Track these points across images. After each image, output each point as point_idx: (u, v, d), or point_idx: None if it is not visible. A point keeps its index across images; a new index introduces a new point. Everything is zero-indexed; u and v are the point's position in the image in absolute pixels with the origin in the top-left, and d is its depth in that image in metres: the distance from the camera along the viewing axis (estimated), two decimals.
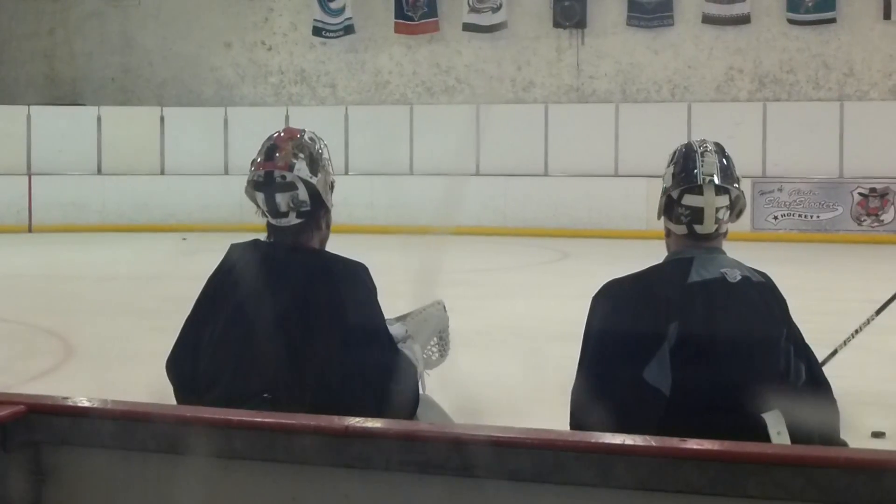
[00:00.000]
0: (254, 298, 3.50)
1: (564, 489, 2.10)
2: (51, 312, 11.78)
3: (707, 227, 3.35)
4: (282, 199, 3.56)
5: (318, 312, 3.47)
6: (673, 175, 3.38)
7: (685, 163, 3.37)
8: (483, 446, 2.14)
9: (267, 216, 3.61)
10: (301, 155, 3.58)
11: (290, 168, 3.56)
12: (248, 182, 3.64)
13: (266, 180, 3.58)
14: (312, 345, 3.44)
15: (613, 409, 3.08)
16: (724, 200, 3.35)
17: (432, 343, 4.10)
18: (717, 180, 3.34)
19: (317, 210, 3.59)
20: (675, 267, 3.36)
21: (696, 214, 3.34)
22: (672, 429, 2.89)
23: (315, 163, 3.58)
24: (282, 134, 3.69)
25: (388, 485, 2.20)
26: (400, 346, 3.73)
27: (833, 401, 3.43)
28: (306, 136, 3.65)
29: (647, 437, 2.14)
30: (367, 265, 3.67)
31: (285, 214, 3.57)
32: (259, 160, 3.64)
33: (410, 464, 2.17)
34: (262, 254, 3.60)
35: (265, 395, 3.36)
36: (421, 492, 2.19)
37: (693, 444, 2.09)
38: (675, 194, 3.35)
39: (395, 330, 3.81)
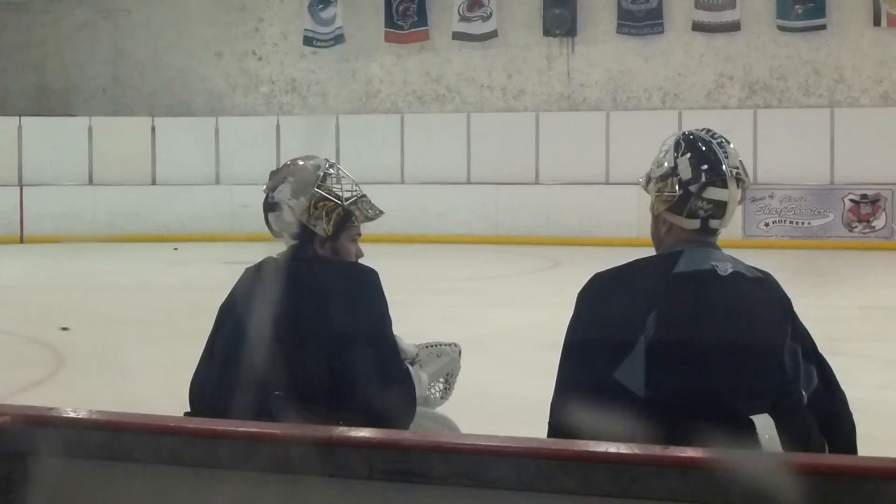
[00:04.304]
0: (258, 308, 3.62)
1: (546, 497, 2.10)
2: (42, 323, 11.76)
3: (726, 221, 3.21)
4: (271, 219, 3.81)
5: (323, 315, 3.58)
6: (692, 167, 3.16)
7: (707, 154, 3.18)
8: (466, 455, 2.14)
9: None
10: (290, 179, 3.76)
11: (274, 189, 3.78)
12: None
13: (263, 200, 3.83)
14: (317, 346, 3.55)
15: (585, 415, 2.91)
16: (741, 193, 3.21)
17: (439, 381, 4.11)
18: (742, 174, 3.20)
19: (304, 233, 3.73)
20: (661, 258, 3.22)
21: (719, 209, 3.17)
22: (653, 430, 2.79)
23: (300, 187, 3.74)
24: (290, 160, 3.90)
25: (372, 494, 2.20)
26: (406, 363, 3.79)
27: (848, 412, 3.26)
28: (310, 163, 3.79)
29: (630, 445, 2.14)
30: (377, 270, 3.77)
31: (279, 234, 3.80)
32: None
33: (394, 473, 2.17)
34: (271, 267, 3.76)
35: (277, 393, 3.48)
36: (405, 501, 2.19)
37: (676, 451, 2.09)
38: (695, 188, 3.16)
39: (405, 347, 3.87)
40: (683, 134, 3.28)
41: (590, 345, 3.13)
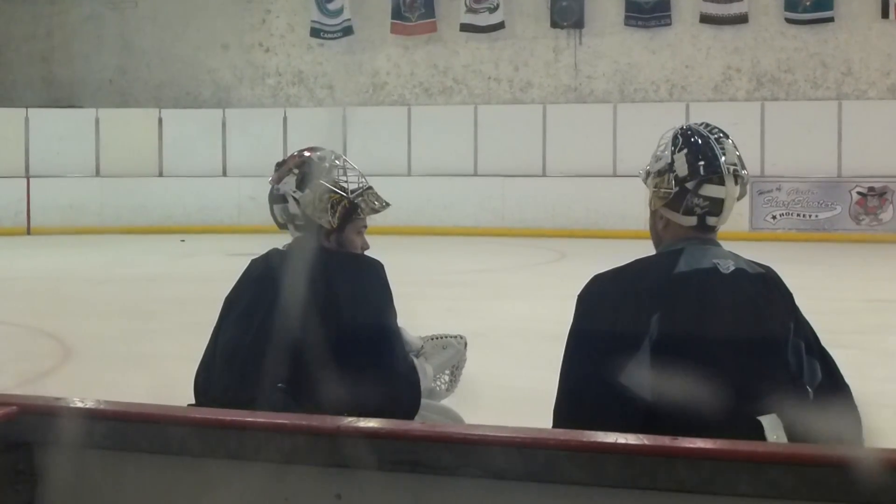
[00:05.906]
0: (263, 300, 3.61)
1: (556, 488, 2.09)
2: (49, 315, 11.77)
3: (723, 218, 3.17)
4: (277, 211, 3.82)
5: (327, 306, 3.57)
6: (689, 163, 3.12)
7: (703, 150, 3.13)
8: (475, 445, 2.14)
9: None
10: (296, 171, 3.77)
11: (279, 181, 3.79)
12: None
13: (269, 192, 3.83)
14: (321, 338, 3.52)
15: (590, 418, 2.81)
16: (739, 190, 3.16)
17: (445, 373, 4.09)
18: (740, 170, 3.14)
19: (310, 225, 3.73)
20: (662, 258, 3.17)
21: (715, 206, 3.13)
22: (657, 432, 2.74)
23: (306, 179, 3.74)
24: (296, 151, 3.90)
25: (379, 484, 2.20)
26: (412, 355, 3.79)
27: (854, 406, 3.18)
28: (316, 155, 3.78)
29: (640, 436, 2.13)
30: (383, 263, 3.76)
31: (284, 226, 3.81)
32: None
33: (402, 463, 2.16)
34: (276, 258, 3.77)
35: (279, 385, 3.48)
36: (412, 491, 2.19)
37: (685, 442, 2.08)
38: (691, 185, 3.11)
39: (410, 339, 3.86)
40: (681, 129, 3.23)
41: (593, 348, 3.07)
